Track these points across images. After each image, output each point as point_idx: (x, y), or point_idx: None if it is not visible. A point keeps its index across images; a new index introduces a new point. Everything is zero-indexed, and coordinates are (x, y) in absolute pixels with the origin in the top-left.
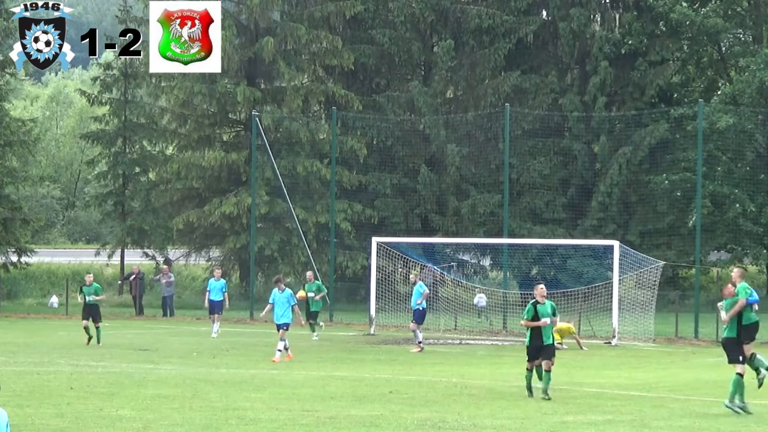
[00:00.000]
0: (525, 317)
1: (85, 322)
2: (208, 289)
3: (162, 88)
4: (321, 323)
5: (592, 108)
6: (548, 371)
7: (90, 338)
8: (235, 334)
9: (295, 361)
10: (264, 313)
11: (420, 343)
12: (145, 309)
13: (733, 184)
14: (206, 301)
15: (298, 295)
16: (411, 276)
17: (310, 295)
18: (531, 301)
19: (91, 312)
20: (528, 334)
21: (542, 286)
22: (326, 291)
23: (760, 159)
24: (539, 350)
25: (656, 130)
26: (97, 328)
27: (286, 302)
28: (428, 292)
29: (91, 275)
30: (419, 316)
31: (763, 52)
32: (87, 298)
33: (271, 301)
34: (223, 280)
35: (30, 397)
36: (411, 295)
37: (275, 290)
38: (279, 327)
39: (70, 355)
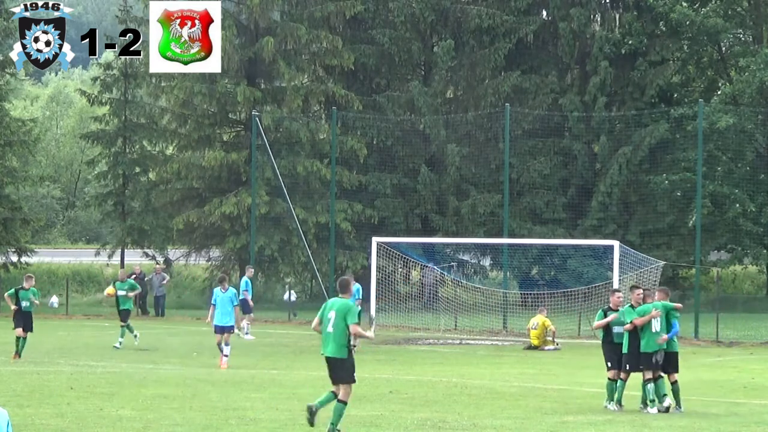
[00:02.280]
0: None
1: (18, 330)
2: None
3: (162, 88)
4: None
5: (592, 108)
6: (656, 380)
7: (17, 353)
8: (235, 334)
9: (295, 361)
10: (209, 317)
11: (355, 346)
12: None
13: (733, 184)
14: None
15: (106, 292)
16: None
17: (121, 293)
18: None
19: (25, 320)
20: (644, 341)
21: (640, 291)
22: (140, 290)
23: (760, 159)
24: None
25: (656, 130)
26: (25, 338)
27: (228, 303)
28: (360, 300)
29: (33, 277)
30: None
31: (763, 52)
32: (22, 304)
33: (213, 302)
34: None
35: (30, 397)
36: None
37: (217, 290)
38: (221, 329)
39: (70, 355)
